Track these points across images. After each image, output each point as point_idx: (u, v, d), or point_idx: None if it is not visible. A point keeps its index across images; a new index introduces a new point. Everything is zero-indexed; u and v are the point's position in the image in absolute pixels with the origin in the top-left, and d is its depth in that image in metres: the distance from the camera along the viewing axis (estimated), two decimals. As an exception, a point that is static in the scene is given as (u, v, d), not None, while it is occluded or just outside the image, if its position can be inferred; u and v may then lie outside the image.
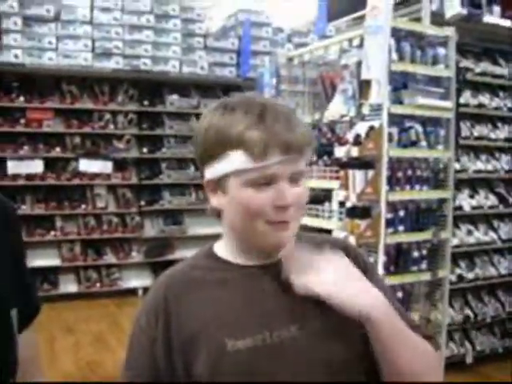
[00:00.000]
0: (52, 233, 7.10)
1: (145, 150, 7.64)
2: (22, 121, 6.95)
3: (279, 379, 1.11)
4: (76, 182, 7.24)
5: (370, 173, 3.58)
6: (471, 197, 4.86)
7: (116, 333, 5.73)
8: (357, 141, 3.63)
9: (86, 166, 7.12)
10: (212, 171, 1.17)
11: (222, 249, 1.26)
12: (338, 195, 3.72)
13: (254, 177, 1.12)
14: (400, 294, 3.79)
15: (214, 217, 1.24)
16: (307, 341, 1.14)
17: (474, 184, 4.98)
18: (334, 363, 1.14)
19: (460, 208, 4.63)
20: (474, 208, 4.80)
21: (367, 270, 1.25)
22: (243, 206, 1.14)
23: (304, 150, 1.14)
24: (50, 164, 7.11)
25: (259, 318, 1.15)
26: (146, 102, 7.62)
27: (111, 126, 7.43)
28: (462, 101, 4.54)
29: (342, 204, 3.71)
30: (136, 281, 7.47)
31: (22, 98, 6.95)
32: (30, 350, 1.14)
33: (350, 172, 3.61)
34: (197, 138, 1.20)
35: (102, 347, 5.34)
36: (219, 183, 1.17)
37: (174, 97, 7.76)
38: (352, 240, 3.52)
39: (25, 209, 6.86)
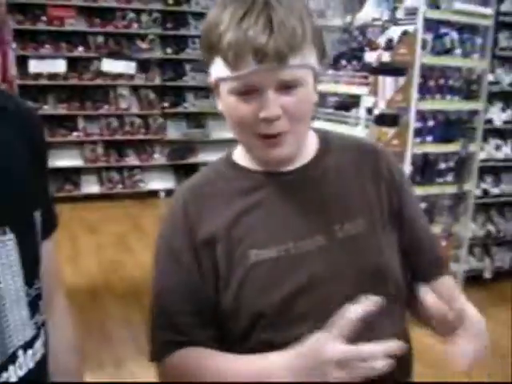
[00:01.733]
0: (74, 133, 7.11)
1: (169, 50, 7.49)
2: (44, 18, 6.80)
3: (297, 289, 1.06)
4: (99, 82, 7.17)
5: (401, 79, 3.46)
6: (503, 111, 4.72)
7: (137, 234, 5.80)
8: (389, 46, 3.50)
9: (109, 66, 7.00)
10: (211, 73, 1.09)
11: (241, 156, 1.19)
12: (367, 101, 3.61)
13: (234, 86, 1.03)
14: (424, 205, 3.75)
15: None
16: (333, 251, 1.09)
17: (506, 98, 4.81)
18: (361, 274, 1.09)
19: (490, 121, 4.50)
20: (505, 122, 4.67)
21: (398, 184, 1.19)
22: (230, 116, 1.08)
23: (286, 58, 0.99)
24: (72, 63, 6.99)
25: (282, 227, 1.10)
26: (170, 1, 7.41)
27: (135, 25, 7.29)
28: (502, 9, 4.33)
29: (369, 111, 3.61)
30: (158, 183, 7.51)
31: (43, -5, 6.76)
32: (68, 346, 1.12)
33: (380, 78, 3.50)
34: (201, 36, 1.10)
35: (123, 248, 5.42)
36: (216, 87, 1.09)
37: (200, -4, 7.50)
38: (378, 148, 3.44)
39: (47, 109, 6.85)
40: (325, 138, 1.22)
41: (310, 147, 1.18)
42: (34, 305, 0.84)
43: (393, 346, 0.92)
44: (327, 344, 0.92)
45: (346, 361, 0.90)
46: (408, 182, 1.27)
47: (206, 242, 1.11)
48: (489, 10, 3.83)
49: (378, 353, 0.90)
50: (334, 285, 1.07)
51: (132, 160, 7.44)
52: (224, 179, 1.18)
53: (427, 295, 1.10)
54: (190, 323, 1.11)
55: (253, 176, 1.15)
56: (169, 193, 7.34)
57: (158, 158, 7.57)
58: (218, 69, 1.04)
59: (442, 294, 1.13)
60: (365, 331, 0.96)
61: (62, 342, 1.06)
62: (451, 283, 1.25)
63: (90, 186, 7.22)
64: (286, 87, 1.02)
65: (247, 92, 1.02)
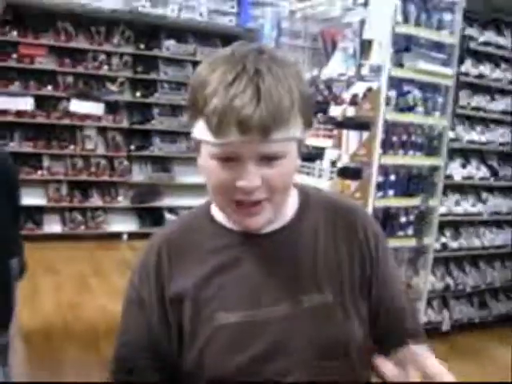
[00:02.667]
0: (39, 172, 7.04)
1: (138, 93, 7.53)
2: (14, 56, 6.80)
3: (259, 356, 1.05)
4: (66, 121, 7.14)
5: (365, 134, 3.54)
6: (463, 167, 4.85)
7: (98, 276, 5.73)
8: (354, 101, 3.58)
9: (77, 106, 6.99)
10: (192, 130, 1.07)
11: (219, 211, 1.16)
12: (331, 154, 3.68)
13: (214, 151, 1.00)
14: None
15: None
16: (297, 320, 1.07)
17: (466, 154, 4.96)
18: (323, 344, 1.07)
19: (450, 177, 4.61)
20: (464, 178, 4.80)
21: (372, 249, 1.16)
22: (209, 177, 1.05)
23: (270, 131, 0.96)
24: (40, 102, 6.97)
25: (252, 292, 1.08)
26: (141, 46, 7.48)
27: (105, 68, 7.32)
28: (462, 69, 4.49)
29: (333, 163, 3.67)
30: (121, 225, 7.45)
31: (14, 33, 6.79)
32: None
33: (344, 132, 3.57)
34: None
35: (83, 289, 5.34)
36: (197, 144, 1.07)
37: (171, 42, 7.61)
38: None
39: (13, 146, 6.77)
40: (305, 194, 1.21)
41: (291, 206, 1.17)
42: (2, 356, 0.84)
43: None
44: None
45: None
46: (383, 244, 1.22)
47: (174, 300, 1.10)
48: (450, 70, 3.96)
49: None
50: (294, 354, 1.05)
51: (96, 201, 7.36)
52: (200, 234, 1.16)
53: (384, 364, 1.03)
54: (147, 367, 1.11)
55: (229, 234, 1.14)
56: (131, 235, 7.29)
57: (122, 200, 7.52)
58: (201, 130, 1.01)
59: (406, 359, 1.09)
60: None
61: None
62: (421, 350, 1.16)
63: (53, 226, 7.11)
64: (268, 159, 1.00)
65: (227, 159, 1.00)
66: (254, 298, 1.08)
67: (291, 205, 1.17)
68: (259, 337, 1.06)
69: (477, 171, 4.91)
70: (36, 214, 6.99)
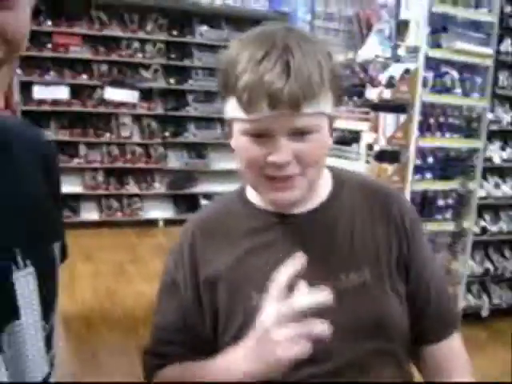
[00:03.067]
0: (75, 160, 7.12)
1: (172, 80, 7.53)
2: (49, 45, 6.86)
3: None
4: (101, 109, 7.20)
5: (402, 117, 3.48)
6: (502, 149, 4.74)
7: (135, 263, 5.78)
8: (390, 83, 3.52)
9: (112, 94, 7.04)
10: (225, 110, 1.08)
11: (253, 193, 1.17)
12: (367, 137, 3.64)
13: (246, 127, 1.02)
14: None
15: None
16: (336, 300, 1.02)
17: (506, 136, 4.84)
18: (363, 324, 1.07)
19: (490, 160, 4.51)
20: (504, 161, 4.69)
21: (409, 232, 1.15)
22: (240, 155, 1.06)
23: (300, 105, 0.98)
24: (75, 91, 7.03)
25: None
26: (175, 32, 7.48)
27: (139, 55, 7.34)
28: (502, 48, 4.38)
29: (370, 147, 3.63)
30: (157, 212, 7.50)
31: (49, 22, 6.84)
32: None
33: (381, 115, 3.52)
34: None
35: (120, 276, 5.39)
36: (229, 124, 1.09)
37: (204, 28, 7.60)
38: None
39: (49, 134, 6.83)
40: (338, 175, 1.21)
41: (324, 186, 1.17)
42: (49, 340, 0.84)
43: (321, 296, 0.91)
44: (272, 328, 0.90)
45: (292, 338, 0.88)
46: (419, 229, 1.21)
47: (208, 282, 1.11)
48: (489, 50, 3.87)
49: (316, 323, 0.89)
50: (333, 334, 1.03)
51: (132, 188, 7.43)
52: (234, 216, 1.17)
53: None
54: (179, 353, 1.12)
55: (263, 216, 1.14)
56: (168, 222, 7.33)
57: (158, 186, 7.57)
58: (233, 108, 1.03)
59: (445, 361, 1.16)
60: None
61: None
62: (457, 349, 1.21)
63: (89, 213, 7.21)
64: (299, 133, 1.01)
65: (259, 135, 1.01)
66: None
67: (325, 186, 1.17)
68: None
69: (517, 154, 4.80)
70: (73, 201, 7.08)
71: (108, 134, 7.26)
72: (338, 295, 1.03)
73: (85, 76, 7.10)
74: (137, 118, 7.50)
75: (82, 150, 7.20)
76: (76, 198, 7.15)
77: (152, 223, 7.38)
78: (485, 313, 4.59)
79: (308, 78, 0.97)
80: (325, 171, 1.17)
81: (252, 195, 1.18)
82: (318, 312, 1.02)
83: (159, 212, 7.50)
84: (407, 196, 3.52)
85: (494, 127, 4.53)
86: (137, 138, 7.48)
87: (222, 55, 1.06)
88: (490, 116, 4.21)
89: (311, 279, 1.04)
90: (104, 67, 7.21)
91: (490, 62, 3.91)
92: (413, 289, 1.15)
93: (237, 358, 0.96)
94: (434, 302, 1.19)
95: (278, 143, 1.00)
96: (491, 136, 4.46)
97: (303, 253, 1.05)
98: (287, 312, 0.90)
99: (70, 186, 6.95)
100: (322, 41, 1.08)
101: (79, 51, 7.05)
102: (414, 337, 1.16)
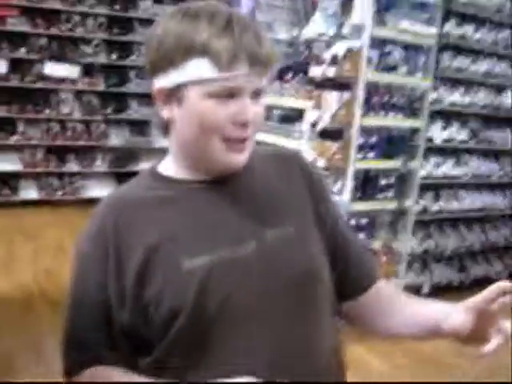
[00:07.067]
0: (14, 137, 6.89)
1: (114, 56, 7.36)
2: (-16, 16, 6.59)
3: (235, 297, 1.06)
4: (41, 85, 6.98)
5: (346, 95, 3.48)
6: (444, 129, 4.80)
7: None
8: (334, 61, 3.51)
9: (52, 69, 6.84)
10: (167, 79, 1.08)
11: (166, 166, 1.19)
12: (311, 115, 3.62)
13: (217, 88, 1.05)
14: (364, 221, 3.78)
15: (162, 130, 1.16)
16: (265, 255, 1.10)
17: (447, 116, 4.90)
18: (294, 277, 1.12)
19: (431, 139, 4.57)
20: (445, 141, 4.75)
21: (318, 188, 1.26)
22: (200, 119, 1.07)
23: (271, 65, 1.09)
24: (14, 65, 6.79)
25: (213, 233, 1.10)
26: (116, 6, 7.30)
27: (80, 29, 7.13)
28: (445, 29, 4.41)
29: (313, 125, 3.61)
30: (99, 190, 7.31)
31: (-15, -8, 6.57)
32: None
33: (325, 92, 3.51)
34: (150, 43, 1.10)
35: (61, 256, 5.25)
36: (174, 93, 1.09)
37: (148, 2, 7.46)
38: (321, 162, 3.45)
39: (-14, 110, 6.62)
40: None
41: None
42: None
43: None
44: None
45: None
46: (326, 185, 1.34)
47: (137, 267, 1.08)
48: (433, 30, 3.89)
49: None
50: (266, 289, 1.09)
51: (73, 166, 7.26)
52: (148, 189, 1.16)
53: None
54: (100, 341, 1.09)
55: (180, 185, 1.15)
56: (110, 200, 7.19)
57: (100, 164, 7.43)
58: (199, 71, 1.05)
59: (378, 302, 1.27)
60: (302, 344, 1.08)
61: None
62: (383, 287, 1.32)
63: (29, 192, 7.00)
64: (256, 96, 1.09)
65: (225, 96, 1.06)
66: (216, 240, 1.09)
67: None
68: (230, 276, 1.07)
69: (457, 134, 4.86)
70: (12, 179, 6.88)
71: (48, 111, 7.04)
72: (266, 250, 1.11)
73: (23, 50, 6.86)
74: (77, 94, 7.30)
75: (21, 126, 6.97)
76: (15, 176, 6.95)
77: (94, 202, 7.15)
78: (425, 290, 4.68)
79: (271, 44, 1.09)
80: None
81: (165, 168, 1.19)
82: (250, 262, 1.09)
83: (101, 190, 7.30)
84: (350, 175, 3.53)
85: (436, 107, 4.57)
86: (78, 115, 7.27)
87: (156, 30, 1.09)
88: (433, 95, 4.25)
89: (237, 238, 1.10)
90: (43, 41, 6.97)
91: (433, 42, 3.93)
92: (332, 242, 1.23)
93: None
94: (354, 252, 1.29)
95: (246, 103, 1.06)
96: (433, 116, 4.51)
97: (226, 214, 1.13)
98: None
99: (8, 165, 6.77)
100: None
101: (17, 24, 6.79)
102: (342, 291, 1.24)
